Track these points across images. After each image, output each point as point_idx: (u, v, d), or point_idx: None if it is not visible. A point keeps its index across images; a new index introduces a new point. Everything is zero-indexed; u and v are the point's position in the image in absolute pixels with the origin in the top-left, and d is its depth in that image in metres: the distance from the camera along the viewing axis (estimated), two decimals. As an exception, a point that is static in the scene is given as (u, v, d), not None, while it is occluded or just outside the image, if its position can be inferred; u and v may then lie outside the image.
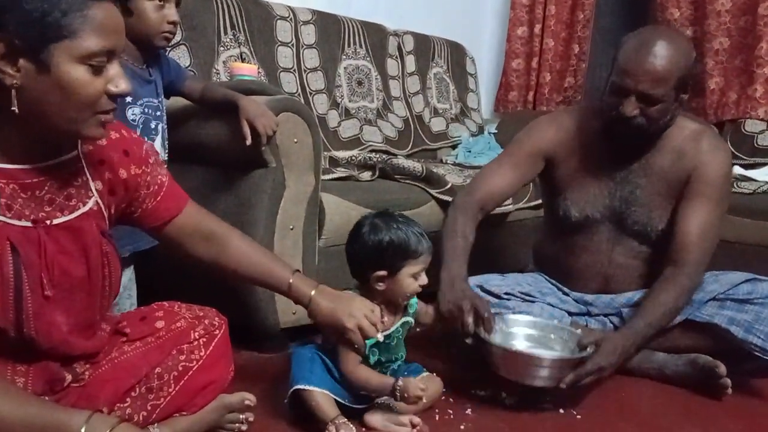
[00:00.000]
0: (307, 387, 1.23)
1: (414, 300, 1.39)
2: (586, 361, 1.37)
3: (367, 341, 1.23)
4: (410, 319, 1.37)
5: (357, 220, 1.37)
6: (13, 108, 0.83)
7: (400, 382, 1.22)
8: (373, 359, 1.31)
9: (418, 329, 1.44)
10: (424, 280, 1.31)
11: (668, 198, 1.61)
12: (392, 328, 1.33)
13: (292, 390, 1.25)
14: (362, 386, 1.27)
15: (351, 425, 1.22)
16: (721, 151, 1.61)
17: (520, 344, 1.50)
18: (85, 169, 0.99)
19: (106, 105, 0.89)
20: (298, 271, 1.20)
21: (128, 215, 1.09)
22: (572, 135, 1.67)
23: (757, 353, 1.49)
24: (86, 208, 0.98)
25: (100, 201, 1.01)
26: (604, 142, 1.62)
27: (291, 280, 1.17)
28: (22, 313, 0.91)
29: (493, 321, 1.41)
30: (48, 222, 0.93)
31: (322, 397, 1.24)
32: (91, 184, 1.00)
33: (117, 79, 0.88)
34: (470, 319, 1.39)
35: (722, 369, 1.48)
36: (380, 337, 1.25)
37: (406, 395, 1.21)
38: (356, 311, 1.17)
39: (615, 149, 1.61)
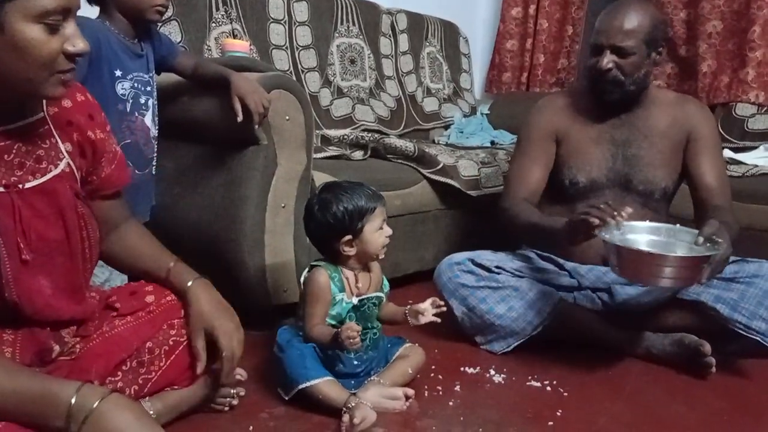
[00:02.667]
0: (308, 383, 1.24)
1: (386, 282, 1.42)
2: (712, 255, 1.34)
3: (345, 305, 1.29)
4: (382, 294, 1.39)
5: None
6: None
7: (345, 327, 1.22)
8: (349, 320, 1.31)
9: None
10: (388, 230, 1.34)
11: (670, 157, 1.71)
12: (367, 295, 1.34)
13: (296, 390, 1.25)
14: (316, 339, 1.28)
15: (365, 403, 1.22)
16: (706, 110, 1.79)
17: (645, 248, 1.43)
18: (53, 130, 0.99)
19: (64, 64, 0.88)
20: (180, 261, 1.18)
21: (87, 183, 1.08)
22: (568, 111, 1.78)
23: (741, 331, 1.51)
24: (58, 170, 0.98)
25: (71, 162, 1.01)
26: (598, 110, 1.73)
27: (171, 265, 1.16)
28: (1, 279, 0.91)
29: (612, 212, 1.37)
30: (20, 186, 0.93)
31: (327, 386, 1.24)
32: (61, 145, 1.00)
33: (74, 38, 0.87)
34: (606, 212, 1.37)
35: (707, 348, 1.51)
36: (355, 300, 1.30)
37: (344, 337, 1.20)
38: (235, 338, 1.13)
39: (607, 111, 1.72)
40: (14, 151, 0.93)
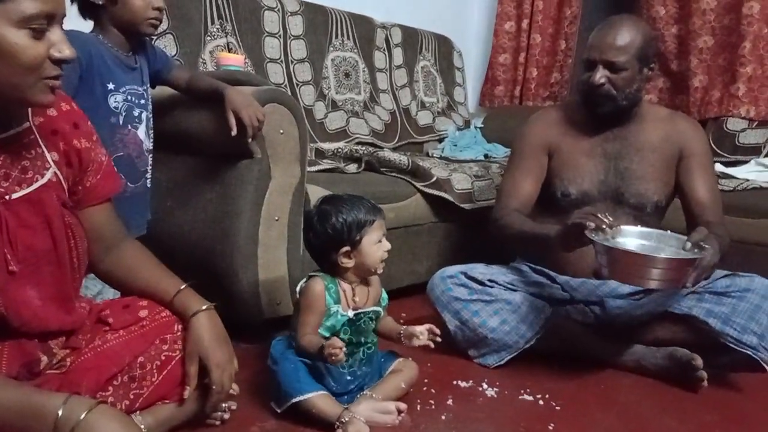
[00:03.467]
0: (302, 397, 1.24)
1: (385, 296, 1.42)
2: (700, 259, 1.36)
3: (340, 318, 1.29)
4: (379, 309, 1.39)
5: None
6: None
7: (328, 342, 1.22)
8: (345, 336, 1.31)
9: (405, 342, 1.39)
10: (386, 245, 1.34)
11: (662, 171, 1.73)
12: (364, 309, 1.34)
13: (290, 404, 1.25)
14: (304, 349, 1.27)
15: (358, 417, 1.22)
16: (698, 127, 1.81)
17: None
18: (39, 140, 0.99)
19: (50, 70, 0.88)
20: (188, 288, 1.17)
21: (74, 193, 1.07)
22: (560, 124, 1.80)
23: (732, 345, 1.52)
24: (44, 180, 0.98)
25: (58, 172, 1.01)
26: (591, 124, 1.75)
27: (177, 291, 1.14)
28: None
29: (610, 221, 1.41)
30: (7, 197, 0.93)
31: (321, 399, 1.24)
32: (47, 155, 1.00)
33: (60, 44, 0.88)
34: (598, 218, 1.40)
35: (699, 362, 1.51)
36: (350, 313, 1.30)
37: (326, 353, 1.20)
38: (226, 372, 1.13)
39: (599, 125, 1.74)
40: (0, 162, 0.93)
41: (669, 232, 1.51)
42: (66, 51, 0.88)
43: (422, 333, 1.35)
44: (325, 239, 1.32)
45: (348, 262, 1.32)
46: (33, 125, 0.98)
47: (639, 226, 1.58)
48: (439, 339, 1.37)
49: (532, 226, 1.66)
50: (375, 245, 1.32)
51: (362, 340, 1.35)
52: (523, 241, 1.70)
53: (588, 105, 1.72)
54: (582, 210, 1.48)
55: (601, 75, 1.64)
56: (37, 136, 0.98)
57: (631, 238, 1.50)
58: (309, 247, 1.39)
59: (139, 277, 1.16)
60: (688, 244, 1.41)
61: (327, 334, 1.31)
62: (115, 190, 1.15)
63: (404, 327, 1.38)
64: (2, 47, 0.83)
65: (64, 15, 0.90)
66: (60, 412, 0.84)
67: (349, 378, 1.33)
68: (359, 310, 1.33)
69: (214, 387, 1.12)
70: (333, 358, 1.19)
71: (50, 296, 0.99)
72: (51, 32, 0.87)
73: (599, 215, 1.41)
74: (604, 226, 1.39)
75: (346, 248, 1.31)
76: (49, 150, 1.00)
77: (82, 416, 0.84)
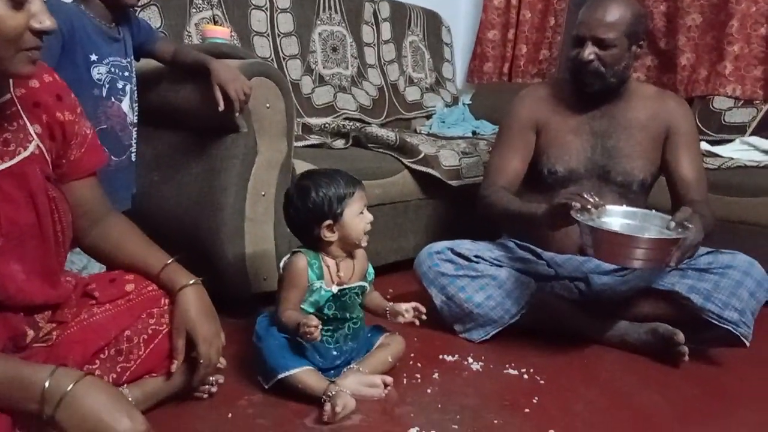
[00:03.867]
0: (288, 373, 1.24)
1: (371, 270, 1.42)
2: (684, 239, 1.38)
3: (324, 293, 1.29)
4: (365, 284, 1.39)
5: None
6: None
7: (303, 320, 1.22)
8: (329, 312, 1.32)
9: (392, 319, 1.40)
10: (369, 216, 1.34)
11: (649, 149, 1.73)
12: (348, 285, 1.34)
13: (276, 380, 1.26)
14: (284, 324, 1.28)
15: (344, 391, 1.23)
16: (685, 105, 1.81)
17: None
18: (21, 112, 0.97)
19: (30, 41, 0.87)
20: (175, 262, 1.16)
21: (57, 166, 1.06)
22: (548, 101, 1.80)
23: (714, 320, 1.54)
24: (27, 153, 0.97)
25: (41, 145, 0.99)
26: (579, 102, 1.75)
27: (164, 265, 1.14)
28: None
29: (596, 201, 1.41)
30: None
31: (306, 374, 1.25)
32: (30, 127, 0.98)
33: (40, 14, 0.86)
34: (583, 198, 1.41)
35: (680, 337, 1.54)
36: (335, 289, 1.30)
37: (302, 331, 1.20)
38: (213, 346, 1.13)
39: (587, 102, 1.74)
40: None
41: (653, 211, 1.53)
42: (46, 22, 0.86)
43: (407, 311, 1.36)
44: (306, 214, 1.31)
45: (331, 236, 1.32)
46: (14, 96, 0.96)
47: (624, 204, 1.59)
48: (424, 317, 1.38)
49: (519, 204, 1.67)
50: (357, 217, 1.32)
51: (347, 315, 1.35)
52: (510, 219, 1.71)
53: (576, 82, 1.72)
54: (568, 190, 1.49)
55: (589, 51, 1.64)
56: (19, 108, 0.97)
57: (616, 217, 1.51)
58: (290, 224, 1.38)
59: (125, 251, 1.15)
60: (672, 224, 1.42)
61: (311, 310, 1.31)
62: (99, 163, 1.14)
63: (390, 304, 1.39)
64: None
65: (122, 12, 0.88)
66: (47, 384, 0.84)
67: (335, 353, 1.34)
68: (344, 286, 1.33)
69: (201, 361, 1.12)
70: (308, 336, 1.20)
71: (35, 270, 0.98)
72: (31, 3, 0.85)
73: (585, 195, 1.42)
74: (589, 206, 1.40)
75: (329, 222, 1.30)
76: (32, 122, 0.98)
77: (69, 387, 0.84)
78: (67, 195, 1.06)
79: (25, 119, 0.97)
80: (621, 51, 1.65)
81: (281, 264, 1.35)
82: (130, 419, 0.84)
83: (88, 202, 1.12)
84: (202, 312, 1.13)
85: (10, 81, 0.96)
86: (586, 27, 1.65)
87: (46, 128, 1.01)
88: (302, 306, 1.31)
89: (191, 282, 1.14)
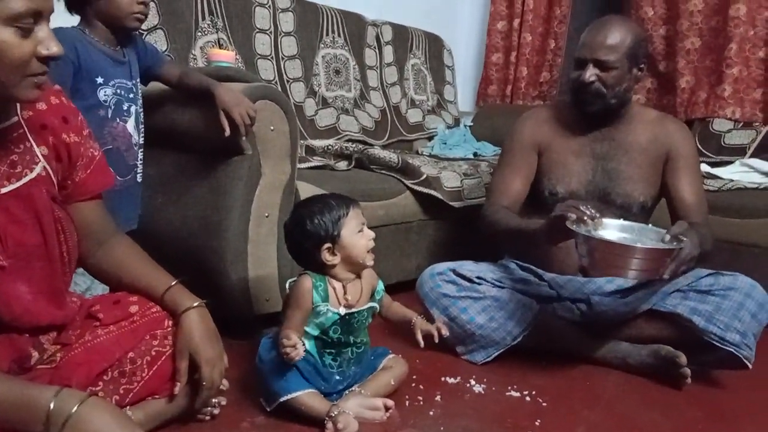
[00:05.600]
0: (289, 396, 1.25)
1: (380, 287, 1.42)
2: (679, 250, 1.38)
3: (330, 316, 1.29)
4: (375, 305, 1.40)
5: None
6: None
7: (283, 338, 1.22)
8: (334, 335, 1.32)
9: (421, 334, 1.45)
10: (370, 233, 1.35)
11: (649, 172, 1.75)
12: (357, 309, 1.34)
13: (278, 403, 1.26)
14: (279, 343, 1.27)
15: (347, 412, 1.23)
16: (686, 129, 1.82)
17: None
18: (27, 134, 0.99)
19: (37, 68, 0.88)
20: (179, 284, 1.17)
21: (63, 187, 1.07)
22: (550, 124, 1.83)
23: (716, 342, 1.54)
24: (33, 175, 0.98)
25: (47, 166, 1.01)
26: (580, 124, 1.78)
27: (168, 287, 1.14)
28: None
29: (592, 213, 1.43)
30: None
31: (309, 397, 1.25)
32: (36, 149, 1.00)
33: (47, 41, 0.88)
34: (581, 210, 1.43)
35: (683, 359, 1.54)
36: (342, 311, 1.30)
37: (282, 350, 1.21)
38: (216, 368, 1.13)
39: (589, 125, 1.76)
40: None
41: (650, 225, 1.54)
42: (53, 48, 0.88)
43: (433, 333, 1.43)
44: (305, 243, 1.32)
45: (333, 259, 1.32)
46: (21, 119, 0.98)
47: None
48: (446, 333, 1.44)
49: (519, 221, 1.68)
50: (356, 235, 1.32)
51: (352, 339, 1.35)
52: (511, 237, 1.72)
53: (578, 103, 1.74)
54: (565, 203, 1.50)
55: (591, 73, 1.66)
56: (26, 130, 0.98)
57: (612, 230, 1.51)
58: (294, 255, 1.39)
59: (129, 272, 1.16)
60: (667, 236, 1.43)
61: (316, 332, 1.31)
62: (106, 185, 1.15)
63: (418, 318, 1.44)
64: None
65: (52, 11, 0.90)
66: (52, 405, 0.84)
67: (338, 378, 1.34)
68: (352, 310, 1.33)
69: (204, 383, 1.13)
70: (286, 356, 1.20)
71: (41, 291, 0.99)
72: (38, 29, 0.87)
73: (581, 207, 1.43)
74: (585, 218, 1.41)
75: (328, 245, 1.31)
76: (38, 144, 1.00)
77: (74, 409, 0.84)
78: (73, 216, 1.07)
79: (32, 141, 0.99)
80: (622, 73, 1.67)
81: (287, 285, 1.36)
82: None
83: (93, 223, 1.13)
84: (206, 335, 1.14)
85: (17, 104, 0.97)
86: (588, 49, 1.68)
87: (52, 150, 1.02)
88: (306, 328, 1.31)
89: (195, 304, 1.14)
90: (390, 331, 1.49)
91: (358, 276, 1.37)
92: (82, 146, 1.09)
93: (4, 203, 0.93)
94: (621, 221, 1.55)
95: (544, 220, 1.53)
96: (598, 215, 1.45)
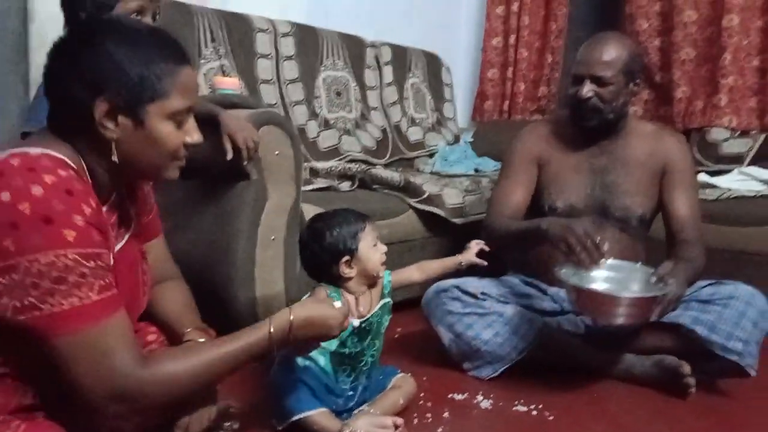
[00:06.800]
0: (302, 415, 1.27)
1: (388, 279, 1.45)
2: (663, 295, 1.42)
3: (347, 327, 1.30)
4: (389, 300, 1.43)
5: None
6: (113, 158, 0.93)
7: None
8: (352, 348, 1.35)
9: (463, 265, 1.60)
10: (383, 247, 1.39)
11: (647, 186, 1.78)
12: (371, 314, 1.37)
13: (290, 422, 1.29)
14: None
15: (358, 430, 1.26)
16: (684, 144, 1.86)
17: (600, 286, 1.52)
18: (126, 199, 1.07)
19: (182, 153, 0.99)
20: (204, 330, 1.16)
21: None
22: (550, 139, 1.86)
23: (719, 352, 1.56)
24: (129, 234, 1.06)
25: (134, 224, 1.09)
26: (579, 139, 1.81)
27: (187, 330, 1.15)
28: None
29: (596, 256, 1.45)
30: (117, 247, 1.00)
31: (320, 417, 1.28)
32: (131, 211, 1.08)
33: (192, 131, 0.99)
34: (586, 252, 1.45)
35: (686, 369, 1.56)
36: (356, 322, 1.34)
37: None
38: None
39: (587, 140, 1.80)
40: (114, 218, 1.01)
41: (639, 264, 1.60)
42: (195, 136, 0.99)
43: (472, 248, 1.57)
44: (323, 255, 1.35)
45: (350, 272, 1.35)
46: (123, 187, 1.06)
47: (625, 238, 1.63)
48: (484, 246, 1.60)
49: (522, 222, 1.72)
50: (371, 249, 1.36)
51: (367, 348, 1.38)
52: (516, 239, 1.73)
53: (576, 119, 1.77)
54: (578, 227, 1.48)
55: (588, 89, 1.70)
56: (126, 196, 1.07)
57: (601, 270, 1.54)
58: (308, 267, 1.41)
59: (163, 307, 1.19)
60: (653, 279, 1.48)
61: (333, 347, 1.33)
62: (160, 228, 1.23)
63: (461, 257, 1.58)
64: (155, 136, 0.94)
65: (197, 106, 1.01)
66: (272, 329, 1.00)
67: (350, 394, 1.36)
68: (366, 317, 1.36)
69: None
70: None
71: None
72: (188, 120, 0.98)
73: (590, 249, 1.44)
74: (585, 260, 1.44)
75: (346, 258, 1.35)
76: (131, 204, 1.09)
77: (291, 316, 1.01)
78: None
79: (128, 205, 1.08)
80: (618, 88, 1.71)
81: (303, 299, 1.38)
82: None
83: (156, 261, 1.19)
84: None
85: None
86: (585, 66, 1.72)
87: (137, 208, 1.11)
88: (323, 344, 1.33)
89: (200, 340, 1.13)
90: (398, 350, 1.51)
91: (370, 287, 1.41)
92: (150, 194, 1.18)
93: (116, 263, 0.98)
94: (610, 260, 1.58)
95: (552, 219, 1.57)
96: (603, 259, 1.46)
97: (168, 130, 0.94)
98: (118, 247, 1.01)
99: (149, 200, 1.18)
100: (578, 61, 1.75)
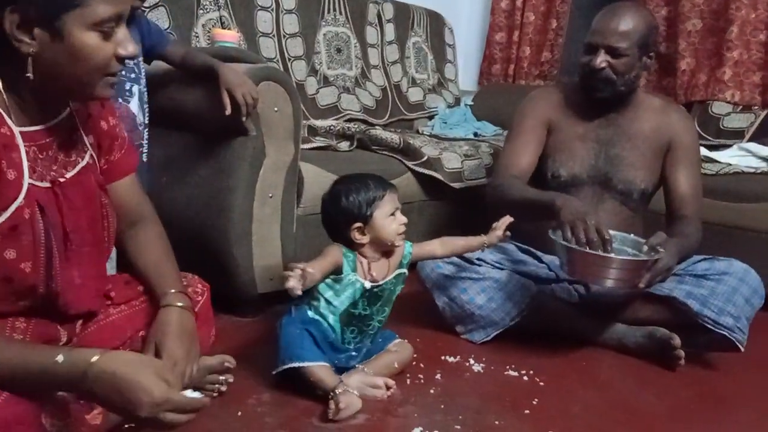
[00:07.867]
0: (303, 364, 1.27)
1: (408, 251, 1.45)
2: (654, 262, 1.44)
3: (359, 286, 1.33)
4: (404, 270, 1.43)
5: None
6: (28, 74, 0.86)
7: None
8: (362, 310, 1.36)
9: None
10: (402, 218, 1.38)
11: (651, 160, 1.77)
12: (384, 281, 1.38)
13: (285, 367, 1.29)
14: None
15: (351, 390, 1.26)
16: (689, 120, 1.86)
17: None
18: (78, 124, 1.02)
19: (114, 67, 0.92)
20: (183, 293, 1.13)
21: (101, 172, 1.09)
22: (560, 105, 1.84)
23: (709, 326, 1.58)
24: (84, 163, 1.02)
25: (93, 154, 1.05)
26: (587, 109, 1.79)
27: (171, 291, 1.11)
28: (51, 271, 0.94)
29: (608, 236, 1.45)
30: (60, 180, 0.96)
31: (320, 370, 1.28)
32: (85, 138, 1.03)
33: (125, 42, 0.91)
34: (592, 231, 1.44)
35: (677, 341, 1.58)
36: (367, 284, 1.34)
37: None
38: (178, 368, 1.03)
39: (595, 110, 1.78)
40: (54, 146, 0.97)
41: (632, 235, 1.60)
42: (130, 48, 0.92)
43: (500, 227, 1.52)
44: (337, 218, 1.36)
45: (362, 238, 1.35)
46: (73, 110, 1.01)
47: (624, 211, 1.63)
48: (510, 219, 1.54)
49: (534, 191, 1.68)
50: (387, 218, 1.36)
51: (376, 313, 1.39)
52: (523, 207, 1.67)
53: (587, 89, 1.75)
54: (590, 219, 1.46)
55: (602, 59, 1.67)
56: (77, 120, 1.02)
57: None
58: (326, 228, 1.42)
59: (143, 261, 1.16)
60: (645, 248, 1.48)
61: (345, 305, 1.34)
62: (133, 165, 1.17)
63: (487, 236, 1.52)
64: (77, 49, 0.86)
65: (129, 13, 0.93)
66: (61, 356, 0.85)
67: (353, 354, 1.38)
68: (379, 282, 1.37)
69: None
70: (286, 282, 1.18)
71: (88, 277, 1.01)
72: (117, 31, 0.90)
73: (592, 233, 1.42)
74: (586, 241, 1.42)
75: (359, 224, 1.35)
76: (86, 133, 1.04)
77: (94, 358, 0.84)
78: (110, 196, 1.09)
79: (81, 131, 1.03)
80: (632, 60, 1.68)
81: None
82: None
83: (127, 202, 1.15)
84: (177, 332, 1.07)
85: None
86: (600, 35, 1.68)
87: (96, 138, 1.06)
88: (334, 302, 1.34)
89: (179, 304, 1.10)
90: (393, 311, 1.51)
91: (387, 256, 1.40)
92: (117, 127, 1.12)
93: (65, 191, 0.96)
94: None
95: (557, 199, 1.54)
96: (608, 237, 1.44)
97: (92, 42, 0.87)
98: (69, 174, 0.97)
99: (117, 134, 1.12)
100: (593, 30, 1.71)
